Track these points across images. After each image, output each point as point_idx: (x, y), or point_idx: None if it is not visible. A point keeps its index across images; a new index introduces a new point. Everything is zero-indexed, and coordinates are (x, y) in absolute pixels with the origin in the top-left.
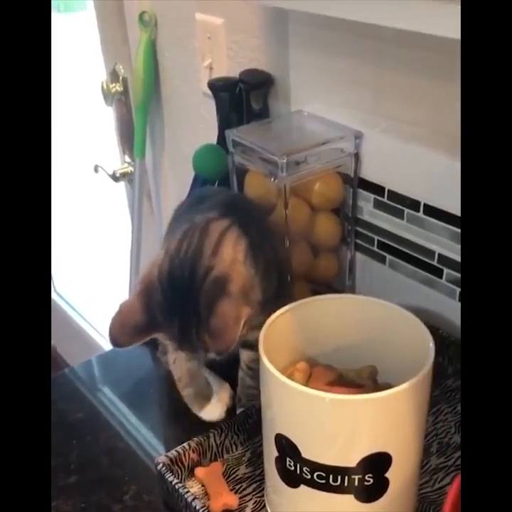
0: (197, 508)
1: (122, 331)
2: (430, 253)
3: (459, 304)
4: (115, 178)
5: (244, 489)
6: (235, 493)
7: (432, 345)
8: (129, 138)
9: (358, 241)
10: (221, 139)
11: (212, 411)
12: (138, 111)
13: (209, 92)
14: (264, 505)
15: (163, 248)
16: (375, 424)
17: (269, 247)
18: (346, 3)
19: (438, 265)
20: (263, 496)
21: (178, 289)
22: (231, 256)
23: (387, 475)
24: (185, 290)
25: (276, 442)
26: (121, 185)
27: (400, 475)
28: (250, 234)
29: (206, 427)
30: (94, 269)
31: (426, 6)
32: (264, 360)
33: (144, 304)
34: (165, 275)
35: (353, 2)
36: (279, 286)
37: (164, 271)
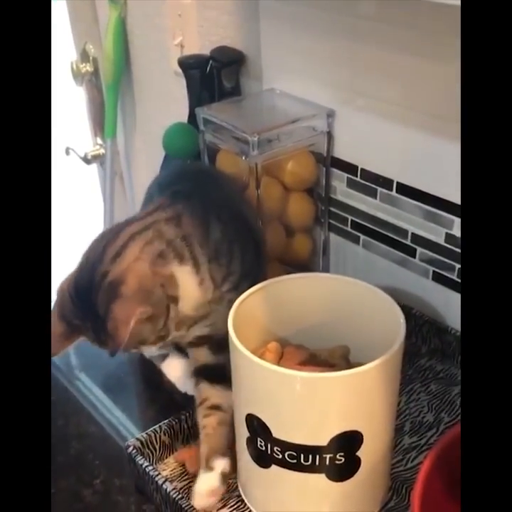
0: (168, 490)
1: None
2: (403, 232)
3: (432, 283)
4: (87, 160)
5: None
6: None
7: (402, 321)
8: (100, 119)
9: (331, 221)
10: (192, 117)
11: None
12: (108, 90)
13: (180, 70)
14: (237, 487)
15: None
16: (346, 402)
17: (237, 227)
18: None
19: (411, 244)
20: (235, 477)
21: (83, 297)
22: (134, 256)
23: (358, 453)
24: (88, 297)
25: (247, 422)
26: (94, 167)
27: (371, 453)
28: (203, 220)
29: (178, 410)
30: (65, 252)
31: None
32: (234, 339)
33: (59, 313)
34: (72, 283)
35: None
36: (256, 263)
37: (72, 279)
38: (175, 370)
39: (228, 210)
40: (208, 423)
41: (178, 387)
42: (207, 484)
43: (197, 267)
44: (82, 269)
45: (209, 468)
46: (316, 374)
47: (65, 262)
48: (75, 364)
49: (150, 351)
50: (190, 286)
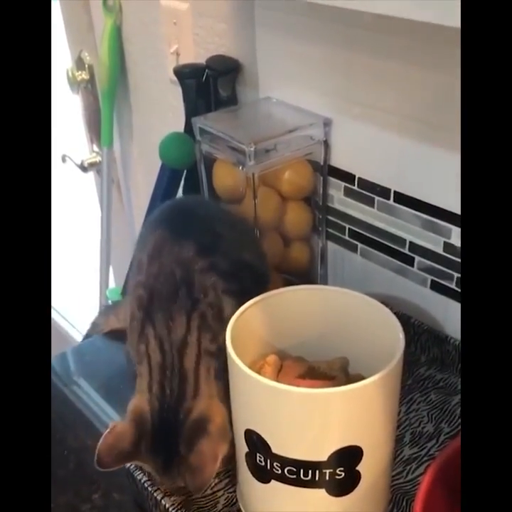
0: (167, 506)
1: (110, 454)
2: (401, 241)
3: (431, 292)
4: (83, 168)
5: (215, 484)
6: (207, 488)
7: (401, 336)
8: (96, 127)
9: (329, 230)
10: (188, 126)
11: None
12: (104, 98)
13: (176, 78)
14: (236, 501)
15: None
16: (345, 417)
17: (241, 282)
18: None
19: (409, 253)
20: (235, 491)
21: (164, 429)
22: (209, 393)
23: (358, 468)
24: (170, 430)
25: (246, 438)
26: (90, 175)
27: (371, 468)
28: (219, 308)
29: None
30: (63, 259)
31: None
32: (232, 354)
33: (135, 434)
34: (155, 413)
35: None
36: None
37: (155, 408)
38: None
39: (230, 265)
40: None
41: None
42: None
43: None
44: (160, 400)
45: None
46: (314, 390)
47: (61, 268)
48: (74, 370)
49: None
50: None
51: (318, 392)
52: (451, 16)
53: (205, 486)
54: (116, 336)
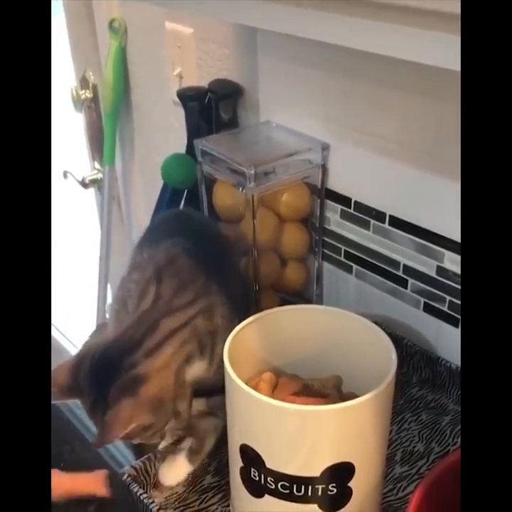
0: None
1: (52, 386)
2: (395, 264)
3: (424, 314)
4: (84, 184)
5: (210, 498)
6: (201, 502)
7: (394, 357)
8: (98, 144)
9: (325, 251)
10: (190, 148)
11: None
12: (107, 118)
13: (179, 101)
14: None
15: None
16: (338, 434)
17: (234, 276)
18: (324, 26)
19: (403, 276)
20: (229, 505)
21: (103, 369)
22: (165, 360)
23: (350, 484)
24: (108, 373)
25: (241, 452)
26: (91, 191)
27: (363, 484)
28: (231, 314)
29: None
30: (61, 275)
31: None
32: (229, 370)
33: (74, 368)
34: (100, 350)
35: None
36: (246, 303)
37: (102, 346)
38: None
39: (229, 272)
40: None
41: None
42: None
43: (212, 361)
44: (115, 340)
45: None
46: (308, 407)
47: (60, 283)
48: None
49: None
50: (198, 376)
51: (312, 409)
52: (452, 61)
53: (102, 445)
54: None
